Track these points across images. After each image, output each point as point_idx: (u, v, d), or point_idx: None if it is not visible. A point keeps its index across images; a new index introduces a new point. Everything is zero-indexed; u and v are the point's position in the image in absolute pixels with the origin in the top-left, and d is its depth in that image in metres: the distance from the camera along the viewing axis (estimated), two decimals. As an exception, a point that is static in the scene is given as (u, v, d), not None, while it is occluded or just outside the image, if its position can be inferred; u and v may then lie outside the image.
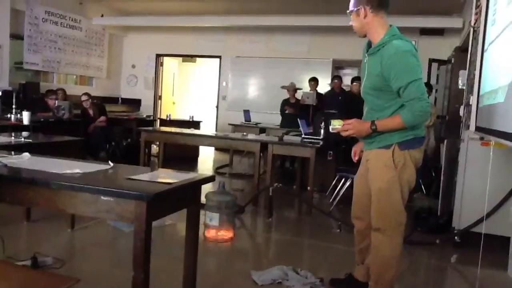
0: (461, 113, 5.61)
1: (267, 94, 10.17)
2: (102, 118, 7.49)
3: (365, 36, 2.64)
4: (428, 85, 7.18)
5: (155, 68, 11.48)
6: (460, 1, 7.30)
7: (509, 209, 3.79)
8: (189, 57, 12.38)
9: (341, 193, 5.29)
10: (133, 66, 11.50)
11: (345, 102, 7.33)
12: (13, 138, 3.73)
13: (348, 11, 2.62)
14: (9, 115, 5.84)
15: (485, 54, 4.02)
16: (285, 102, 8.17)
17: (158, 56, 11.44)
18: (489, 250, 3.39)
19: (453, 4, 7.62)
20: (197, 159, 8.77)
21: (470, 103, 4.46)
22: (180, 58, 12.57)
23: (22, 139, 3.72)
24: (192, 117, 9.02)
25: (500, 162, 3.77)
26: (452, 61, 7.42)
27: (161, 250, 3.18)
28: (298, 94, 8.12)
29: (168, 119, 8.98)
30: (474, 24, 4.96)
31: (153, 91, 11.51)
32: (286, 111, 8.04)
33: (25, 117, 5.27)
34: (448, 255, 4.01)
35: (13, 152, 2.72)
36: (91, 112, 7.44)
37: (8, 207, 4.01)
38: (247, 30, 10.10)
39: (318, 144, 5.16)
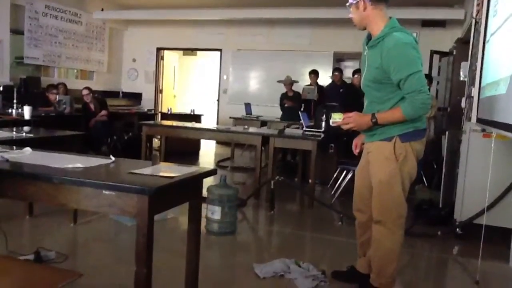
0: (462, 105, 5.61)
1: (268, 87, 10.15)
2: (103, 112, 7.48)
3: (364, 29, 2.63)
4: (428, 76, 7.17)
5: (156, 61, 11.46)
6: (462, -8, 7.27)
7: (510, 200, 3.78)
8: (189, 51, 12.35)
9: (342, 185, 5.30)
10: (134, 60, 11.48)
11: (346, 94, 7.32)
12: (14, 133, 3.73)
13: (347, 4, 2.62)
14: (10, 110, 5.84)
15: (486, 45, 4.01)
16: (284, 96, 8.16)
17: (159, 49, 11.42)
18: (491, 242, 3.40)
19: (454, -5, 7.59)
20: (198, 152, 8.78)
21: (472, 94, 4.45)
22: (181, 52, 12.55)
23: (24, 133, 3.72)
24: (193, 110, 9.01)
25: (501, 154, 3.76)
26: (454, 53, 7.40)
27: (163, 244, 3.19)
28: (296, 86, 8.09)
29: (169, 112, 8.97)
30: (476, 15, 4.93)
31: (153, 85, 11.50)
32: (286, 105, 8.04)
33: (26, 111, 5.27)
34: (449, 247, 4.02)
35: (14, 147, 2.72)
36: (92, 106, 7.43)
37: (10, 202, 4.04)
38: (248, 23, 10.07)
39: (320, 137, 5.15)
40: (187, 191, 2.22)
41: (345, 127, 2.64)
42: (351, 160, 4.84)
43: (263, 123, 7.91)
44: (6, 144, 2.92)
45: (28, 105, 5.35)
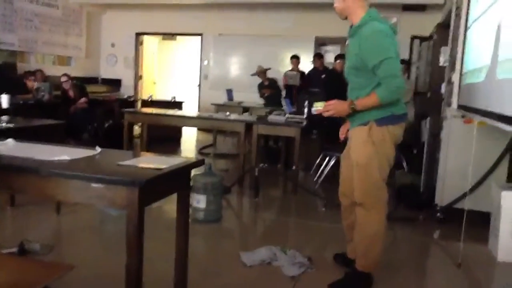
0: (442, 90, 5.68)
1: (249, 72, 10.00)
2: (83, 99, 7.33)
3: (346, 18, 2.75)
4: (404, 61, 7.33)
5: (135, 46, 11.26)
6: (442, -23, 7.30)
7: (490, 185, 3.88)
8: (169, 35, 12.16)
9: (325, 171, 5.34)
10: (113, 45, 11.26)
11: (328, 80, 7.32)
12: (-7, 123, 3.65)
13: None
14: (-15, 98, 5.67)
15: (468, 31, 4.06)
16: (261, 86, 8.16)
17: (138, 34, 11.21)
18: (471, 226, 3.48)
19: (434, -21, 7.62)
20: (180, 139, 8.73)
21: (452, 80, 4.50)
22: (160, 36, 12.36)
23: (4, 124, 3.64)
24: (174, 97, 8.93)
25: (481, 139, 3.83)
26: (434, 38, 7.45)
27: (149, 233, 3.17)
28: (276, 73, 8.09)
29: (149, 100, 8.87)
30: (456, 0, 4.96)
31: (133, 71, 11.32)
32: (266, 95, 8.04)
33: (4, 100, 5.09)
34: (431, 231, 4.11)
35: (-4, 139, 2.65)
36: (71, 93, 7.28)
37: (-9, 193, 3.96)
38: (229, 7, 9.93)
39: (303, 124, 5.17)
40: (176, 182, 2.22)
41: (325, 114, 2.72)
42: (334, 146, 4.88)
43: (245, 109, 7.87)
44: (-14, 135, 2.85)
45: (6, 93, 5.20)
